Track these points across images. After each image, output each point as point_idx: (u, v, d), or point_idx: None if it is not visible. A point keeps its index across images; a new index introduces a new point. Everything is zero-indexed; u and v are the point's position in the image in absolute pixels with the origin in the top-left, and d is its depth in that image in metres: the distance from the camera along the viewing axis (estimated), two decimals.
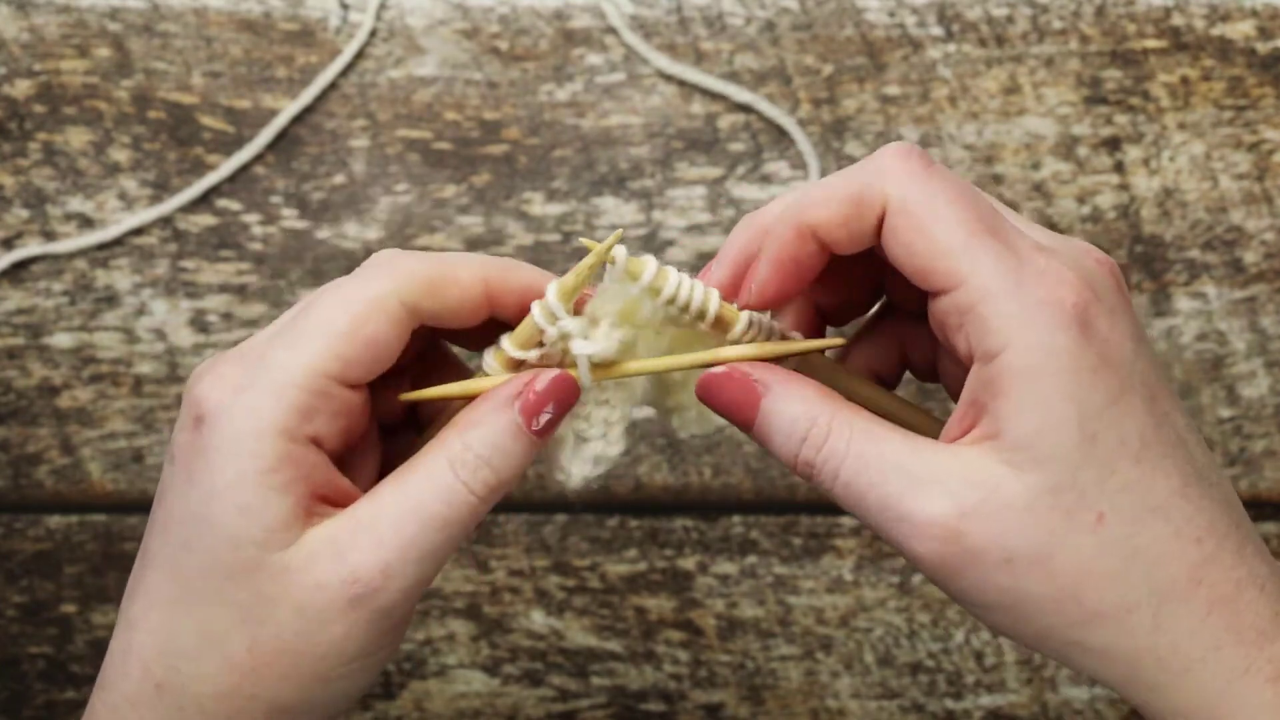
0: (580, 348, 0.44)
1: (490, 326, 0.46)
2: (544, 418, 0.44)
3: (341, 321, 0.43)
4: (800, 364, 0.47)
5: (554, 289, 0.44)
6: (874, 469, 0.42)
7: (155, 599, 0.43)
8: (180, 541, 0.43)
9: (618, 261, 0.44)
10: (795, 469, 0.44)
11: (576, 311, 0.45)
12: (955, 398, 0.46)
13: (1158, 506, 0.41)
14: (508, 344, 0.45)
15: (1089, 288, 0.42)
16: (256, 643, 0.42)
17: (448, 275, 0.44)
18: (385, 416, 0.48)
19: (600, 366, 0.45)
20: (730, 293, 0.45)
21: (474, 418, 0.44)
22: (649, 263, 0.44)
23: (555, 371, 0.44)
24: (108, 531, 0.75)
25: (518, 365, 0.45)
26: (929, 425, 0.46)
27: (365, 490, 0.44)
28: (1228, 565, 0.42)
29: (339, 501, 0.43)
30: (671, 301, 0.44)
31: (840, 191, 0.43)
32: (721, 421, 0.47)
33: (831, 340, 0.45)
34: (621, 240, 0.44)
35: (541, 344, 0.45)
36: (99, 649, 0.46)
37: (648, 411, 0.48)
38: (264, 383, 0.42)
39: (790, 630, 0.74)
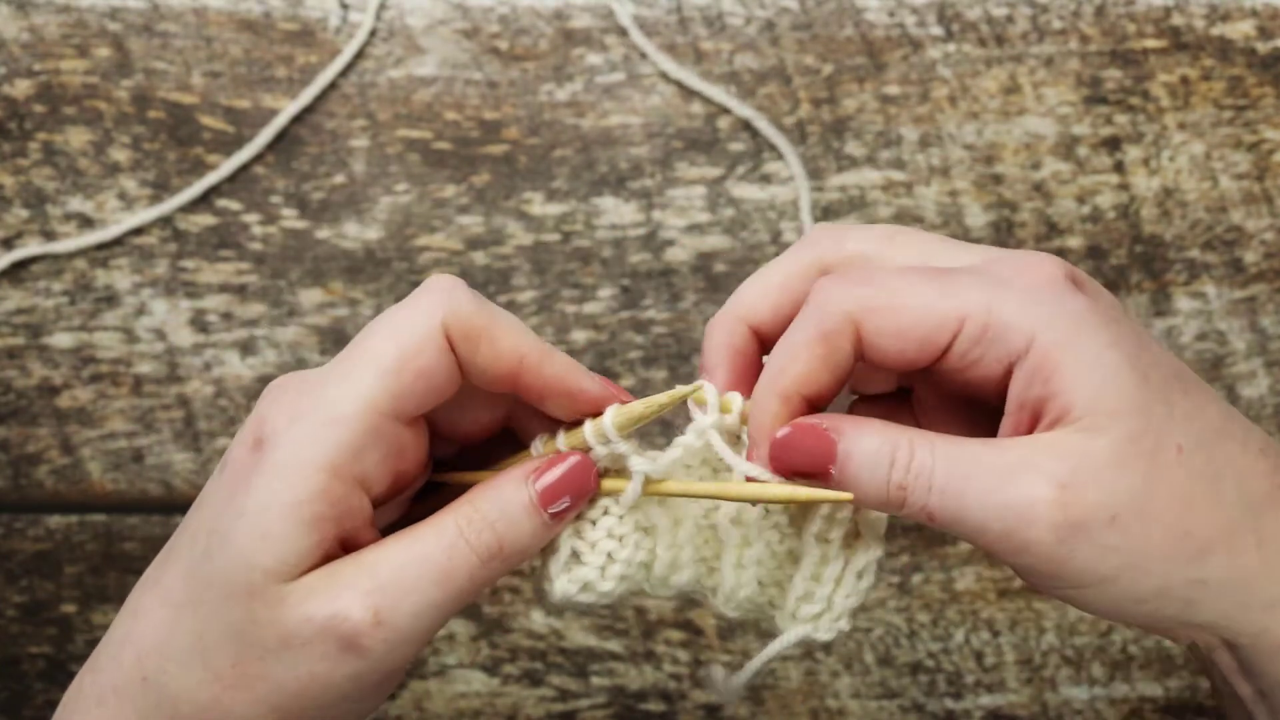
0: (639, 464, 0.45)
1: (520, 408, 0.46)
2: (560, 505, 0.44)
3: (389, 355, 0.43)
4: None
5: (613, 417, 0.44)
6: (966, 469, 0.42)
7: (166, 597, 0.44)
8: (203, 550, 0.43)
9: (710, 401, 0.45)
10: (888, 500, 0.43)
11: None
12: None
13: (1218, 428, 0.42)
14: (561, 440, 0.45)
15: (1060, 263, 0.43)
16: (240, 661, 0.42)
17: (490, 332, 0.43)
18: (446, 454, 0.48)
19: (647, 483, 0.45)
20: (733, 387, 0.46)
21: (489, 485, 0.44)
22: (735, 399, 0.45)
23: (576, 457, 0.44)
24: (108, 531, 0.75)
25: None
26: None
27: None
28: None
29: None
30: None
31: (802, 342, 0.43)
32: (763, 599, 0.48)
33: (844, 495, 0.44)
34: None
35: (589, 449, 0.45)
36: None
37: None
38: (317, 415, 0.42)
39: None
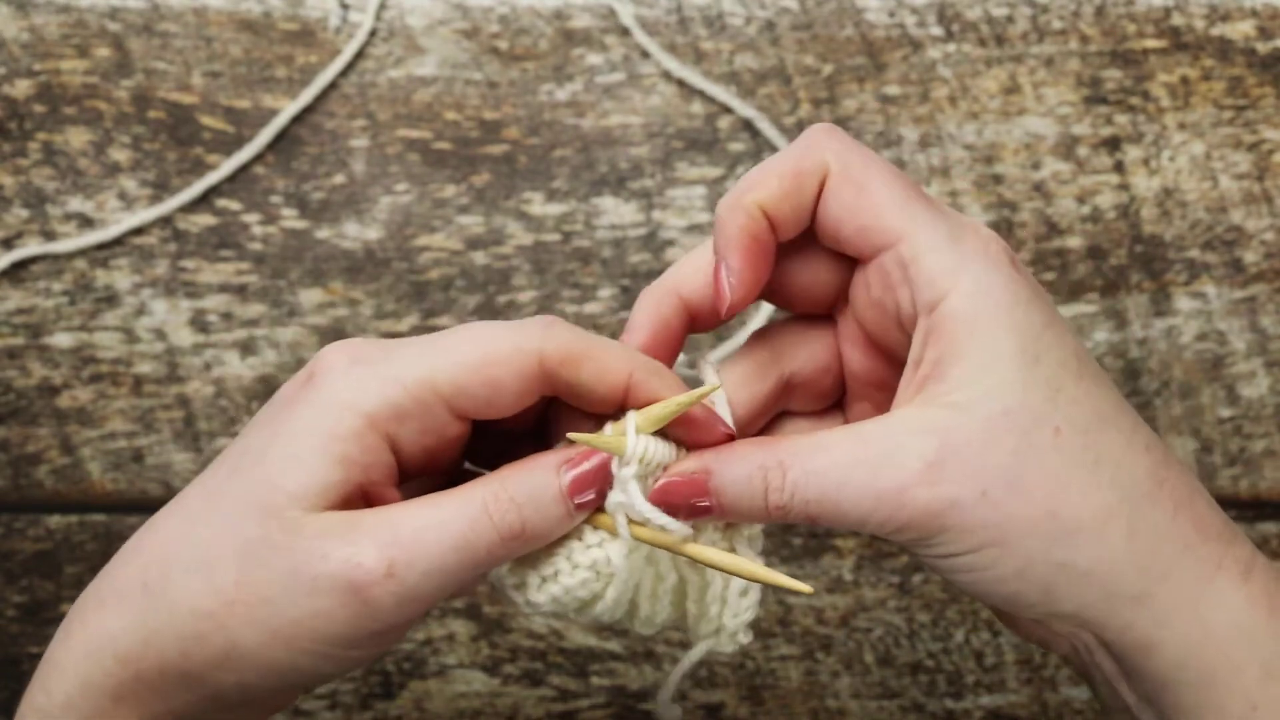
0: (615, 499, 0.45)
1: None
2: (585, 497, 0.45)
3: (473, 354, 0.44)
4: None
5: (636, 420, 0.45)
6: (838, 475, 0.43)
7: (181, 508, 0.45)
8: (230, 466, 0.44)
9: (630, 449, 0.45)
10: (770, 519, 0.44)
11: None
12: (857, 393, 0.49)
13: (1105, 417, 0.43)
14: (573, 437, 0.46)
15: (1003, 242, 0.45)
16: (245, 579, 0.43)
17: (593, 354, 0.44)
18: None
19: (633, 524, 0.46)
20: (653, 353, 0.47)
21: (522, 467, 0.45)
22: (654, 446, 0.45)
23: (604, 455, 0.45)
24: (108, 531, 0.75)
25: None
26: None
27: None
28: (1177, 471, 0.44)
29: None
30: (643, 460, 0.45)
31: (780, 166, 0.45)
32: (676, 616, 0.49)
33: (802, 586, 0.45)
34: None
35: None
36: None
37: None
38: (378, 368, 0.43)
39: (790, 630, 0.74)
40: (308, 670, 0.44)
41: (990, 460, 0.42)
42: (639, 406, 0.45)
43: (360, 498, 0.44)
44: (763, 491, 0.44)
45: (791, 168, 0.45)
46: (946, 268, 0.43)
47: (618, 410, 0.46)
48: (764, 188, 0.45)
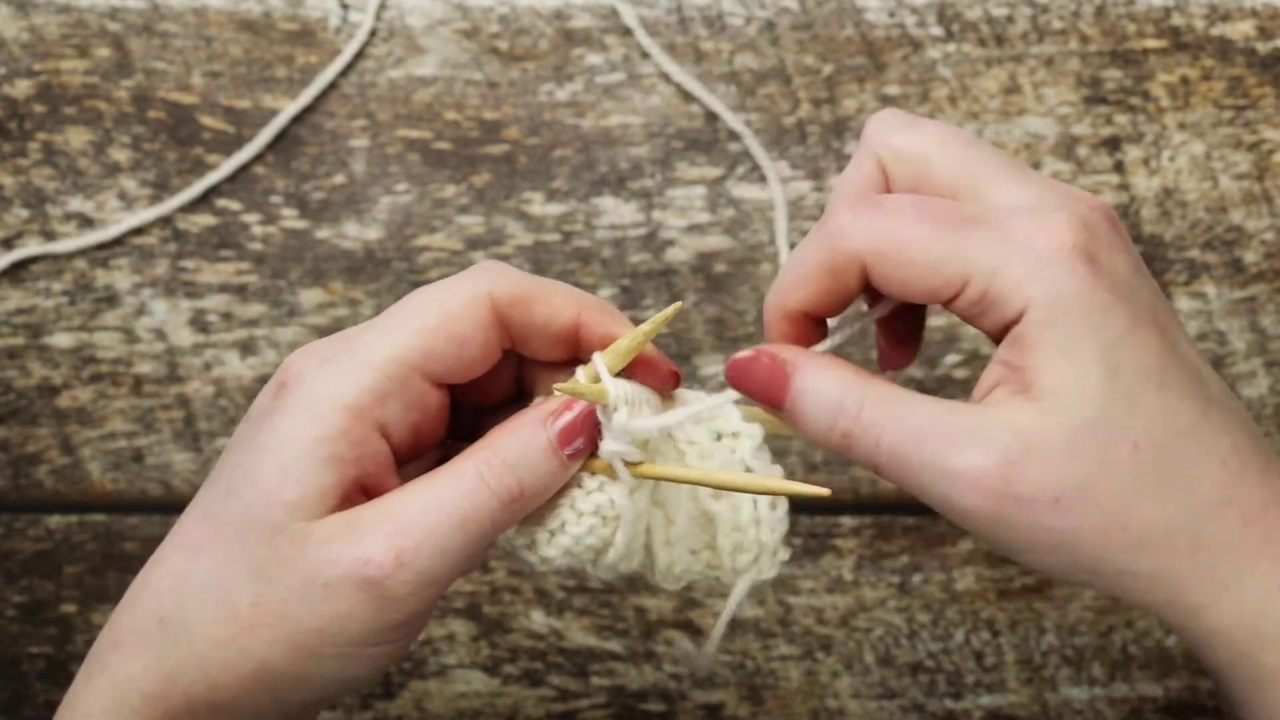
0: (610, 447, 0.45)
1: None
2: (576, 445, 0.45)
3: (431, 316, 0.44)
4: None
5: (604, 358, 0.45)
6: (915, 431, 0.43)
7: (184, 540, 0.45)
8: (224, 489, 0.44)
9: (611, 395, 0.45)
10: (831, 444, 0.44)
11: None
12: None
13: (1183, 430, 0.43)
14: (557, 388, 0.46)
15: (1083, 227, 0.43)
16: (260, 600, 0.43)
17: (543, 294, 0.45)
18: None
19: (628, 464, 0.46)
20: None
21: (506, 429, 0.45)
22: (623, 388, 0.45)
23: (587, 402, 0.45)
24: (108, 531, 0.75)
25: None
26: None
27: None
28: (1254, 484, 0.44)
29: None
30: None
31: (812, 268, 0.45)
32: (699, 566, 0.49)
33: (820, 490, 0.44)
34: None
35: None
36: None
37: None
38: (346, 360, 0.44)
39: (790, 630, 0.74)
40: (341, 676, 0.44)
41: (1069, 470, 0.42)
42: (593, 346, 0.46)
43: (360, 492, 0.44)
44: (834, 414, 0.44)
45: (824, 267, 0.45)
46: (1016, 285, 0.43)
47: (575, 355, 0.46)
48: (802, 290, 0.45)
